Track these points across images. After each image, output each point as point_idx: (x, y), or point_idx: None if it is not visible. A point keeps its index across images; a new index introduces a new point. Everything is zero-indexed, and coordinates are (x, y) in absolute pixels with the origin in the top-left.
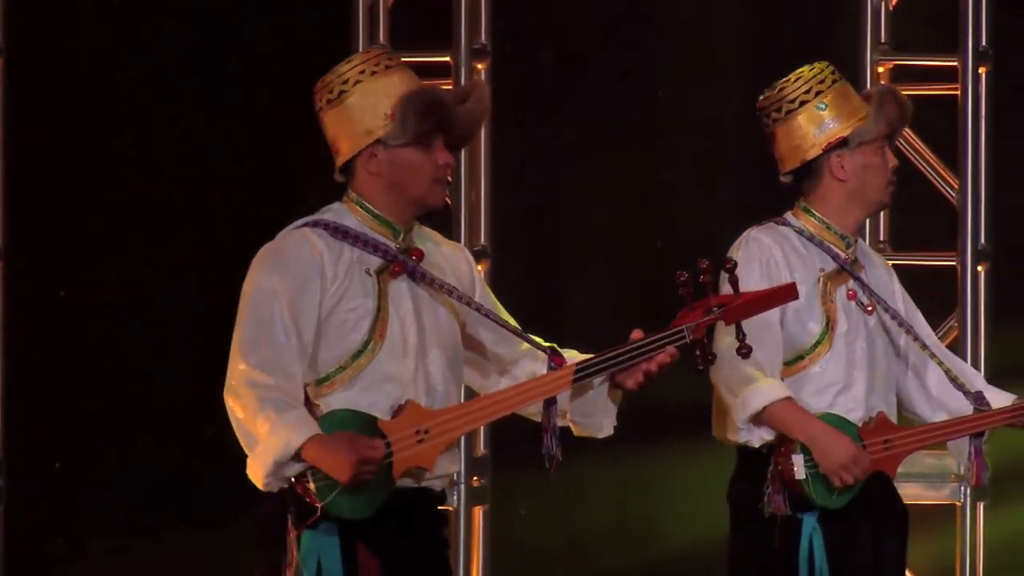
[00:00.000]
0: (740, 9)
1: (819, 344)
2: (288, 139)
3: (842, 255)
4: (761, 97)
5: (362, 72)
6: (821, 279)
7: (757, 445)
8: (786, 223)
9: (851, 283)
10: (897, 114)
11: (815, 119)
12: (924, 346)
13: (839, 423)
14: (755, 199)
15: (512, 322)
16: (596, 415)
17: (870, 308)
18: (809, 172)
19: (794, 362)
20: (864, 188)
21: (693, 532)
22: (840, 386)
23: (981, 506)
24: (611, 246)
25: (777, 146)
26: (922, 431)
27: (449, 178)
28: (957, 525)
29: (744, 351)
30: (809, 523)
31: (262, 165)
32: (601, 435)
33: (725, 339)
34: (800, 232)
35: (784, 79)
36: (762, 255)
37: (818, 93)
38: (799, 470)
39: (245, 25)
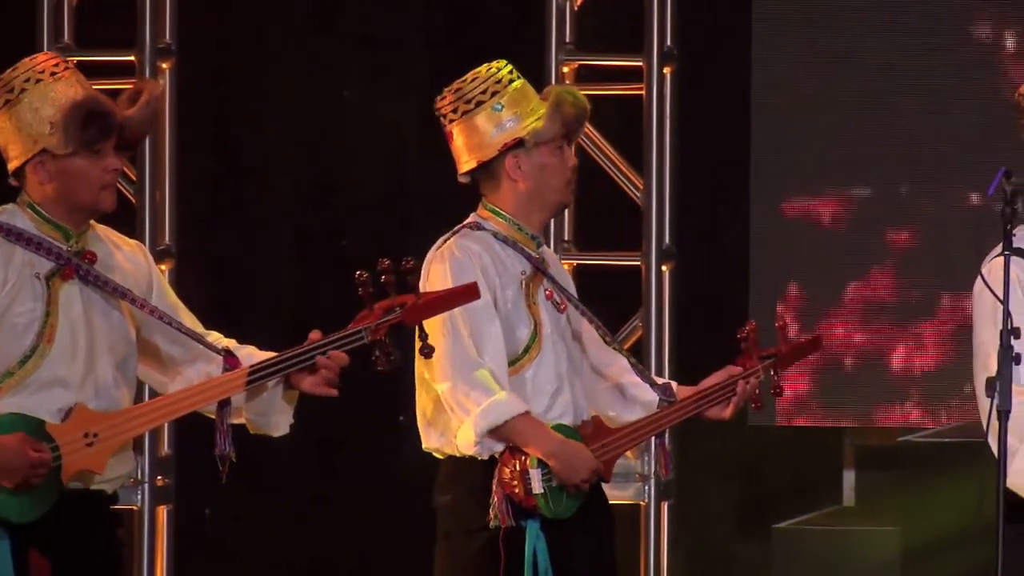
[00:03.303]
0: (427, 8)
1: (529, 349)
2: None
3: (534, 255)
4: (439, 97)
5: (27, 80)
6: (523, 282)
7: (486, 457)
8: (480, 227)
9: (546, 283)
10: (574, 114)
11: (491, 120)
12: (610, 339)
13: (569, 434)
14: (441, 200)
15: (192, 320)
16: (272, 414)
17: (562, 306)
18: (487, 173)
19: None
20: (542, 188)
21: (398, 531)
22: (553, 389)
23: (665, 505)
24: (297, 245)
25: (455, 146)
26: (632, 431)
27: (132, 176)
28: (641, 524)
29: (426, 351)
30: (533, 529)
31: None
32: (276, 434)
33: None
34: (495, 235)
35: (461, 79)
36: (473, 262)
37: (494, 93)
38: (536, 484)
39: None
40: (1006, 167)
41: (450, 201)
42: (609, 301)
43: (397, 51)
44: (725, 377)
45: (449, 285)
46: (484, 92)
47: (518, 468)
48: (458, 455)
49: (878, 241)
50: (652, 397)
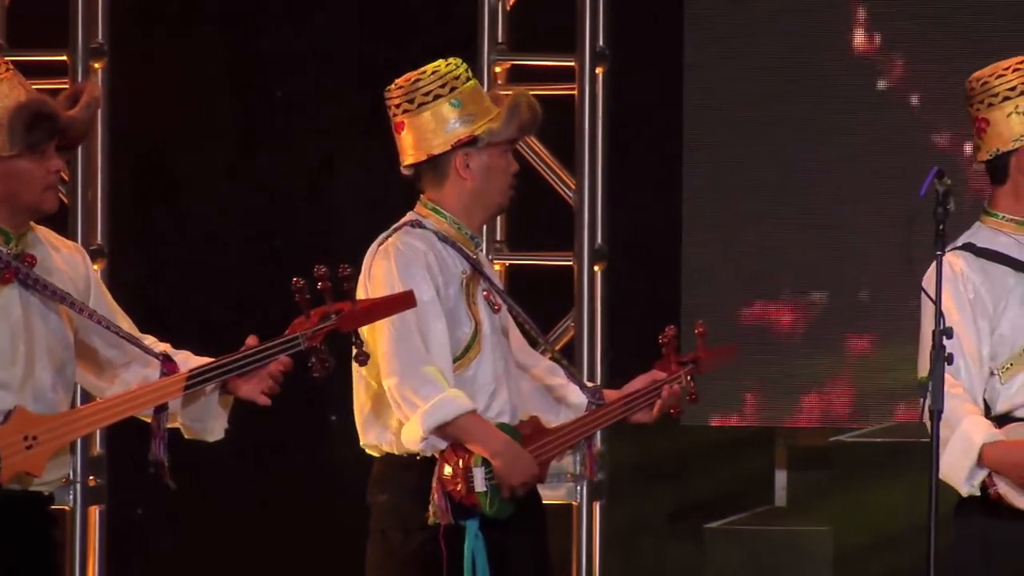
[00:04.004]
0: (359, 7)
1: (470, 348)
2: None
3: (472, 256)
4: (392, 86)
5: None
6: (464, 281)
7: (430, 454)
8: (421, 225)
9: (483, 283)
10: (529, 120)
11: (447, 115)
12: (543, 341)
13: (511, 433)
14: (374, 201)
15: (129, 324)
16: (207, 420)
17: (497, 307)
18: (434, 168)
19: None
20: (486, 189)
21: (330, 529)
22: (492, 389)
23: (598, 505)
24: (230, 244)
25: (403, 137)
26: (567, 432)
27: (65, 177)
28: (573, 524)
29: (361, 359)
30: (472, 529)
31: None
32: (211, 439)
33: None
34: (436, 234)
35: (419, 71)
36: (418, 258)
37: (453, 89)
38: (479, 482)
39: None
40: (938, 167)
41: (383, 202)
42: (541, 301)
43: (328, 48)
44: (649, 382)
45: (395, 280)
46: (443, 87)
47: (461, 466)
48: (396, 453)
49: (836, 347)
50: (580, 399)
